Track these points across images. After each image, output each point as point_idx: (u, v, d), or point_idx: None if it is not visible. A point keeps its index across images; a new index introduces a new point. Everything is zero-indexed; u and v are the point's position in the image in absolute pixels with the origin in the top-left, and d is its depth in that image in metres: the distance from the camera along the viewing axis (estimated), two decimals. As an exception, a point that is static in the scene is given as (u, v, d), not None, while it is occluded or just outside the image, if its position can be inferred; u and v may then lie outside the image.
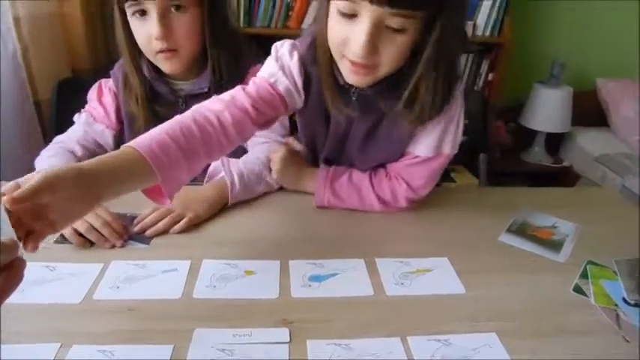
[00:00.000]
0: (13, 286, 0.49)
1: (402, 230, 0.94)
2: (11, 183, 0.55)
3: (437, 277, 0.79)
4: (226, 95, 0.85)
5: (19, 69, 1.43)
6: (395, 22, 0.72)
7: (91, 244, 0.83)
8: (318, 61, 0.86)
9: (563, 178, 2.42)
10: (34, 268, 0.76)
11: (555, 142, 2.52)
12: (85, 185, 0.59)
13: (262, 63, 0.93)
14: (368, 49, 0.74)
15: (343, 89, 0.87)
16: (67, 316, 0.68)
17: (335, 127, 0.96)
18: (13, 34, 1.39)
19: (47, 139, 1.47)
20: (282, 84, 0.88)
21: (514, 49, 2.28)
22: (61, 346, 0.62)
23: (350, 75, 0.80)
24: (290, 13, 2.13)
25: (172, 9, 0.96)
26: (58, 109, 1.37)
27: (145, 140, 0.70)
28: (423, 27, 0.75)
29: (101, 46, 1.80)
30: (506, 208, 1.01)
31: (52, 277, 0.75)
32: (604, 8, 2.45)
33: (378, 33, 0.73)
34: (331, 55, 0.82)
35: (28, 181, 0.55)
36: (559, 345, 0.66)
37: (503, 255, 0.87)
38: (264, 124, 0.89)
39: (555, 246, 0.90)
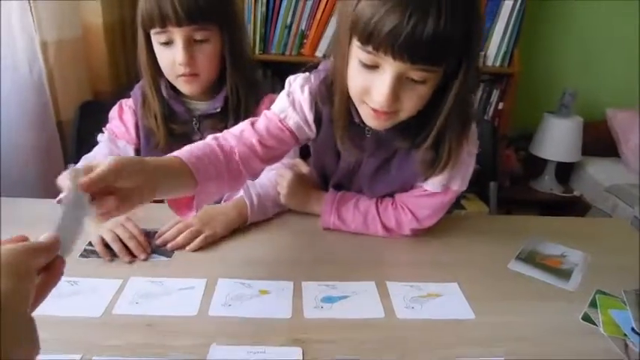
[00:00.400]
0: (52, 285, 0.51)
1: (413, 254, 0.96)
2: (84, 164, 0.61)
3: (447, 301, 0.81)
4: (237, 130, 0.89)
5: (42, 91, 1.48)
6: (416, 75, 0.74)
7: (112, 258, 0.86)
8: (333, 102, 0.87)
9: (574, 207, 2.42)
10: (55, 283, 0.79)
11: (566, 171, 2.53)
12: (146, 175, 0.65)
13: (276, 91, 0.97)
14: (390, 100, 0.75)
15: (358, 127, 0.89)
16: (88, 328, 0.70)
17: (345, 161, 0.98)
18: (39, 57, 1.45)
19: (67, 157, 1.52)
20: (292, 119, 0.91)
21: (524, 79, 2.32)
22: (82, 357, 0.64)
23: (370, 119, 0.82)
24: (304, 40, 2.19)
25: (196, 39, 1.02)
26: (80, 129, 1.42)
27: (184, 152, 0.76)
28: (442, 75, 0.76)
29: (122, 71, 1.87)
30: (516, 235, 1.03)
31: (72, 291, 0.78)
32: (615, 38, 2.49)
33: (399, 84, 0.75)
34: (348, 97, 0.83)
35: (99, 164, 0.60)
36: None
37: (512, 282, 0.88)
38: (272, 159, 0.92)
39: (564, 275, 0.91)
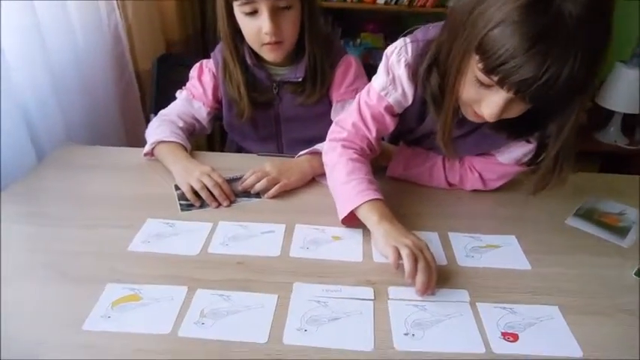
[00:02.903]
0: None
1: (472, 207, 1.02)
2: None
3: (505, 253, 0.88)
4: (353, 132, 0.98)
5: (119, 42, 1.59)
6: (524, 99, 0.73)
7: (202, 203, 0.98)
8: (428, 82, 0.87)
9: (637, 160, 2.36)
10: (155, 224, 0.91)
11: (632, 123, 2.44)
12: None
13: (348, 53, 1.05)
14: (498, 117, 0.77)
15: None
16: (188, 264, 0.82)
17: (427, 128, 0.99)
18: (117, 11, 1.55)
19: (145, 106, 1.65)
20: (392, 96, 0.95)
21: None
22: (188, 290, 0.76)
23: (471, 117, 0.84)
24: (366, -13, 2.17)
25: (281, 7, 1.04)
26: (158, 80, 1.52)
27: (374, 190, 0.91)
28: None
29: (189, 22, 1.98)
30: (575, 192, 1.05)
31: (171, 232, 0.90)
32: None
33: (508, 104, 0.75)
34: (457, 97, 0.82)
35: None
36: (617, 323, 0.73)
37: (569, 237, 0.93)
38: (378, 145, 1.01)
39: (621, 232, 0.94)
